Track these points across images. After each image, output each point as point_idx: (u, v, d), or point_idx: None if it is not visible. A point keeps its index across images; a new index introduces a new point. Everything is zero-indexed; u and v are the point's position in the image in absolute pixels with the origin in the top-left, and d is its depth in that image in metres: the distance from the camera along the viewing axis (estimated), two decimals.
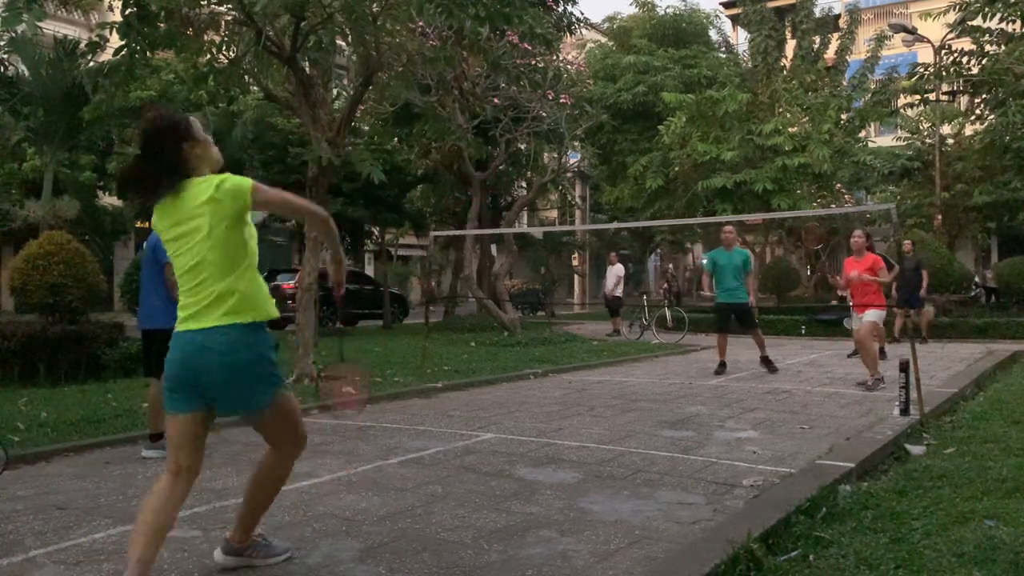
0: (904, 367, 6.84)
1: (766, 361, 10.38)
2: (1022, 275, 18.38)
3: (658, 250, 38.55)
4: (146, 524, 2.89)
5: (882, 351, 10.78)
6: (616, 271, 18.48)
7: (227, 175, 2.96)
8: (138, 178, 2.95)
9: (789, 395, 8.45)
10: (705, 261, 10.84)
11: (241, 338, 2.97)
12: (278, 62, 9.47)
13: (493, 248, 24.42)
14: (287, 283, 19.36)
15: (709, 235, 31.71)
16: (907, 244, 14.03)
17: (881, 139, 27.25)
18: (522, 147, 18.86)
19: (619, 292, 18.40)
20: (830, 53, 23.91)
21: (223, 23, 9.25)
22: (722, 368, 10.45)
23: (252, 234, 3.06)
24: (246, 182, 2.94)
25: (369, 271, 31.63)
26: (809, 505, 4.03)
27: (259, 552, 3.42)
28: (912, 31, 20.75)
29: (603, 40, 30.84)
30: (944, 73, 18.58)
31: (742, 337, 10.78)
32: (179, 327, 3.00)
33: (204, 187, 2.93)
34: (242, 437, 6.40)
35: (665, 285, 23.19)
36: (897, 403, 6.89)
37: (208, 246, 2.93)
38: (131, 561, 2.84)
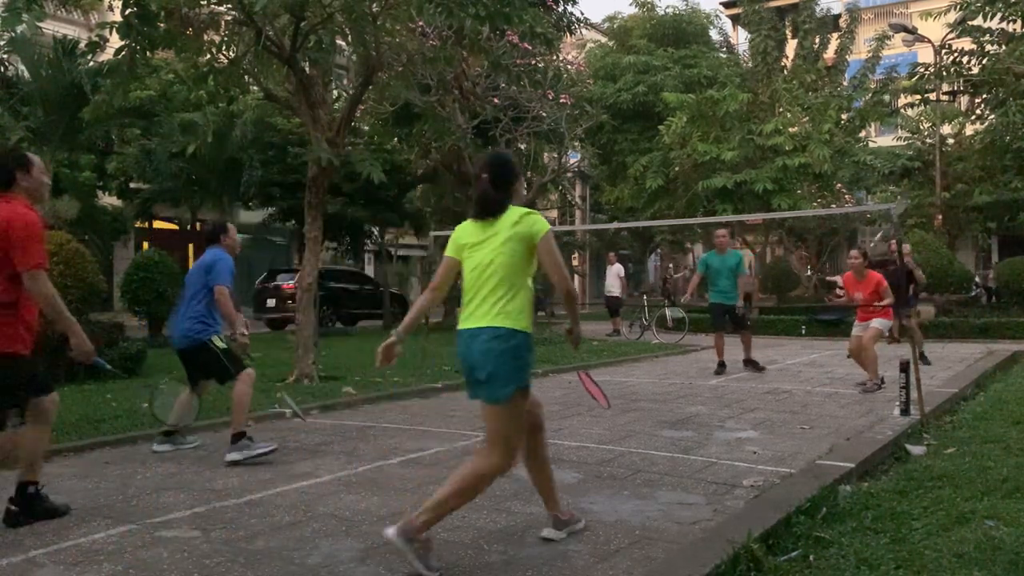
0: (904, 367, 6.84)
1: (749, 363, 10.47)
2: (1022, 275, 18.38)
3: (658, 250, 38.54)
4: (456, 479, 3.41)
5: (923, 356, 10.61)
6: (616, 271, 18.48)
7: (534, 213, 3.53)
8: (489, 200, 3.54)
9: (789, 395, 8.45)
10: (699, 263, 10.97)
11: (502, 336, 3.40)
12: (278, 62, 9.46)
13: None
14: (287, 283, 19.37)
15: (709, 235, 31.69)
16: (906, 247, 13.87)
17: (881, 139, 27.25)
18: (522, 147, 18.85)
19: (617, 292, 18.40)
20: (830, 53, 23.91)
21: (223, 23, 9.24)
22: (722, 368, 10.48)
23: (534, 267, 3.54)
24: (542, 227, 3.48)
25: (369, 271, 31.62)
26: (809, 505, 4.03)
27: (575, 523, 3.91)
28: (912, 31, 20.74)
29: (603, 40, 30.82)
30: (944, 73, 18.58)
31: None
32: (460, 326, 3.54)
33: (514, 215, 3.51)
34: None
35: (662, 284, 23.21)
36: (897, 403, 6.89)
37: (499, 261, 3.47)
38: (434, 499, 3.38)
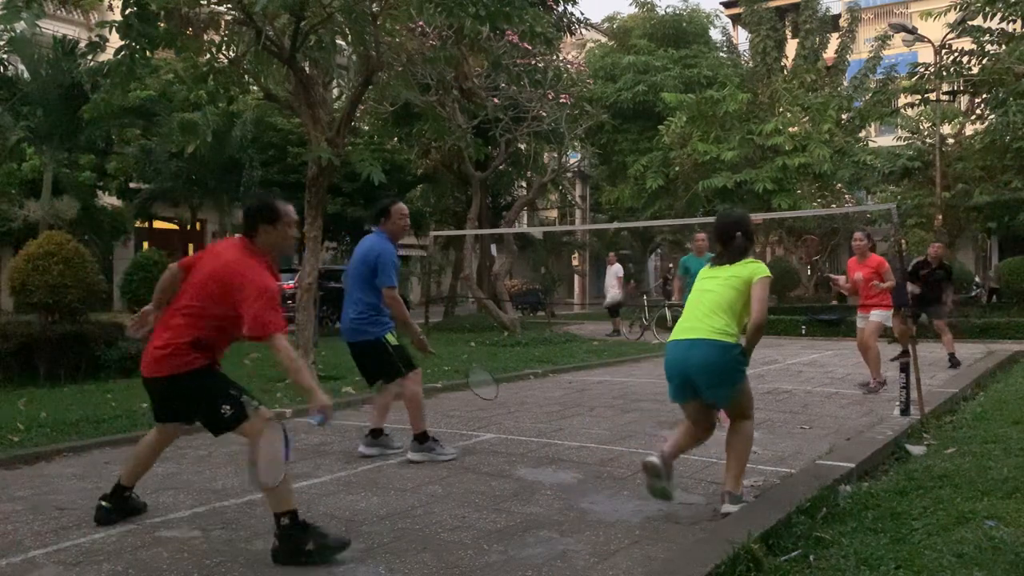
0: (904, 367, 6.84)
1: None
2: (1022, 275, 18.37)
3: (658, 250, 38.54)
4: (682, 435, 4.36)
5: (952, 357, 10.68)
6: (614, 271, 18.49)
7: (760, 267, 4.29)
8: (738, 248, 4.34)
9: (789, 395, 8.45)
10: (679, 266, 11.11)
11: (717, 349, 4.14)
12: (278, 62, 9.46)
13: (493, 248, 24.41)
14: (287, 283, 19.36)
15: (709, 235, 31.68)
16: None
17: (881, 139, 27.23)
18: (522, 147, 18.86)
19: (617, 292, 18.40)
20: (830, 53, 23.91)
21: (223, 23, 9.23)
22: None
23: (745, 305, 4.24)
24: (762, 274, 4.25)
25: None
26: (809, 505, 4.03)
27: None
28: (912, 31, 20.73)
29: (603, 40, 30.82)
30: (944, 73, 18.56)
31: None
32: (674, 337, 4.33)
33: (745, 265, 4.31)
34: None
35: (662, 283, 23.22)
36: (897, 403, 6.89)
37: (724, 295, 4.25)
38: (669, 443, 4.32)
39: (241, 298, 3.57)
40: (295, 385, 3.78)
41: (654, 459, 4.25)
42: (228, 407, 3.63)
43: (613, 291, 18.55)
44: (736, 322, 4.21)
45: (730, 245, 4.36)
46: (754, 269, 4.26)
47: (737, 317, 4.22)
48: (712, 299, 4.26)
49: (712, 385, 4.18)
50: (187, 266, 3.96)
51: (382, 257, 5.40)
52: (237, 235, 3.86)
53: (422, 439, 5.47)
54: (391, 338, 5.48)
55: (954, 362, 10.64)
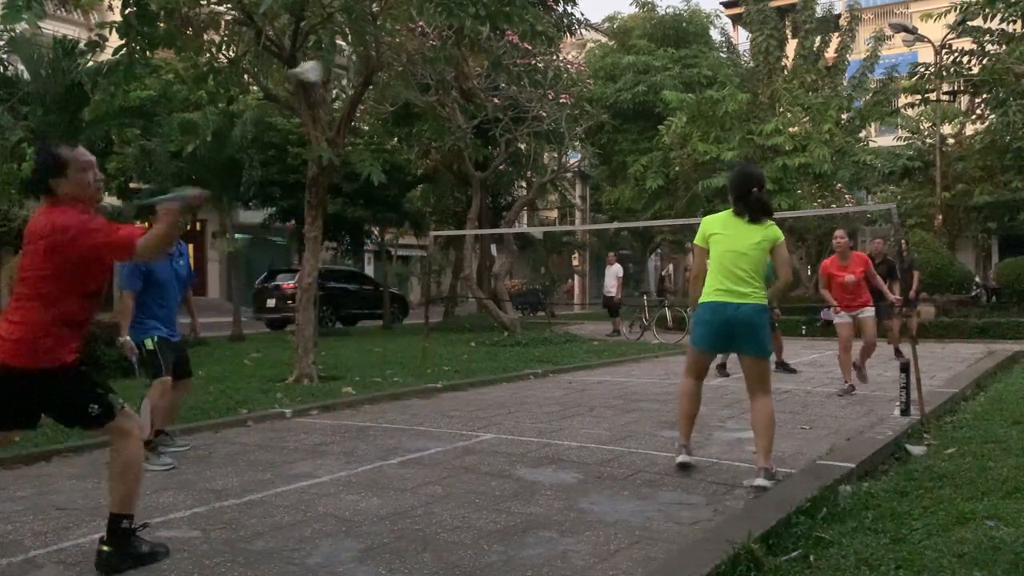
0: (905, 367, 6.84)
1: (780, 365, 10.44)
2: (1022, 275, 18.37)
3: (659, 250, 38.54)
4: (763, 427, 4.71)
5: (897, 351, 10.46)
6: (614, 271, 18.50)
7: (779, 231, 4.78)
8: (757, 202, 4.73)
9: (789, 395, 8.44)
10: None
11: (759, 312, 4.68)
12: (278, 62, 9.46)
13: (493, 248, 24.41)
14: (287, 283, 19.37)
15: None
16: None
17: (881, 139, 27.22)
18: (522, 147, 18.86)
19: (613, 293, 18.42)
20: (830, 52, 23.88)
21: (223, 23, 9.23)
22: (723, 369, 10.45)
23: (766, 262, 4.77)
24: (782, 237, 4.79)
25: (369, 271, 31.62)
26: (810, 505, 4.03)
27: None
28: (912, 31, 20.73)
29: (603, 40, 30.82)
30: (944, 73, 18.57)
31: None
32: (718, 298, 4.72)
33: (767, 227, 4.77)
34: (242, 438, 6.40)
35: (659, 283, 23.21)
36: (898, 403, 6.89)
37: (759, 259, 4.74)
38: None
39: (87, 240, 3.27)
40: (152, 237, 3.38)
41: (685, 458, 5.06)
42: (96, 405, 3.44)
43: (612, 291, 18.57)
44: (760, 282, 4.76)
45: (748, 199, 4.72)
46: (777, 232, 4.75)
47: (764, 277, 4.78)
48: (749, 264, 4.69)
49: (754, 340, 4.71)
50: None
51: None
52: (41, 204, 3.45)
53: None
54: (149, 343, 5.48)
55: (900, 356, 10.29)
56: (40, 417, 3.50)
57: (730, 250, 4.73)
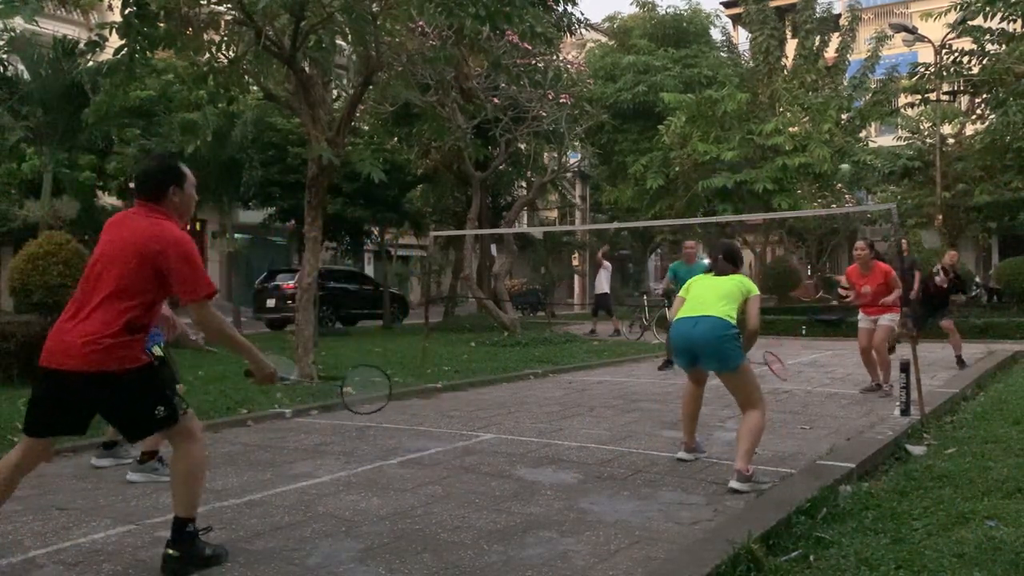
0: (905, 367, 6.84)
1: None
2: (1023, 275, 18.37)
3: (659, 250, 38.54)
4: (748, 435, 4.75)
5: (960, 359, 10.72)
6: (606, 271, 18.63)
7: (754, 286, 5.10)
8: (722, 269, 5.21)
9: (790, 395, 8.44)
10: (669, 272, 11.59)
11: (720, 326, 4.81)
12: (278, 62, 9.45)
13: (493, 248, 24.41)
14: (287, 283, 19.37)
15: (709, 235, 31.70)
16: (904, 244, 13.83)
17: (881, 139, 27.23)
18: (522, 147, 18.85)
19: (607, 288, 18.49)
20: (830, 52, 23.90)
21: (223, 23, 9.23)
22: (667, 365, 10.88)
23: (738, 299, 5.01)
24: (757, 292, 5.07)
25: (369, 271, 31.61)
26: (810, 505, 4.03)
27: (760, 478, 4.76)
28: (912, 31, 20.73)
29: (603, 40, 30.81)
30: (944, 73, 18.57)
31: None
32: (682, 314, 5.04)
33: (744, 280, 5.10)
34: (242, 438, 6.40)
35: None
36: (898, 403, 6.89)
37: (731, 290, 5.01)
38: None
39: (165, 261, 3.29)
40: (231, 350, 3.54)
41: (684, 455, 5.33)
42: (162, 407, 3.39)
43: (605, 288, 18.68)
44: (736, 313, 4.91)
45: (717, 263, 5.23)
46: (752, 285, 5.08)
47: (737, 310, 4.93)
48: (721, 291, 5.00)
49: (713, 356, 4.86)
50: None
51: None
52: (135, 204, 3.47)
53: (144, 459, 5.06)
54: (157, 350, 4.99)
55: (961, 365, 10.61)
56: (90, 421, 3.47)
57: (702, 285, 5.18)
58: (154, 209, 3.42)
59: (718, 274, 5.20)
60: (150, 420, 3.37)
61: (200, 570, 3.39)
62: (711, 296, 5.01)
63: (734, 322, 4.87)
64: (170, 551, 3.39)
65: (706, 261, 11.61)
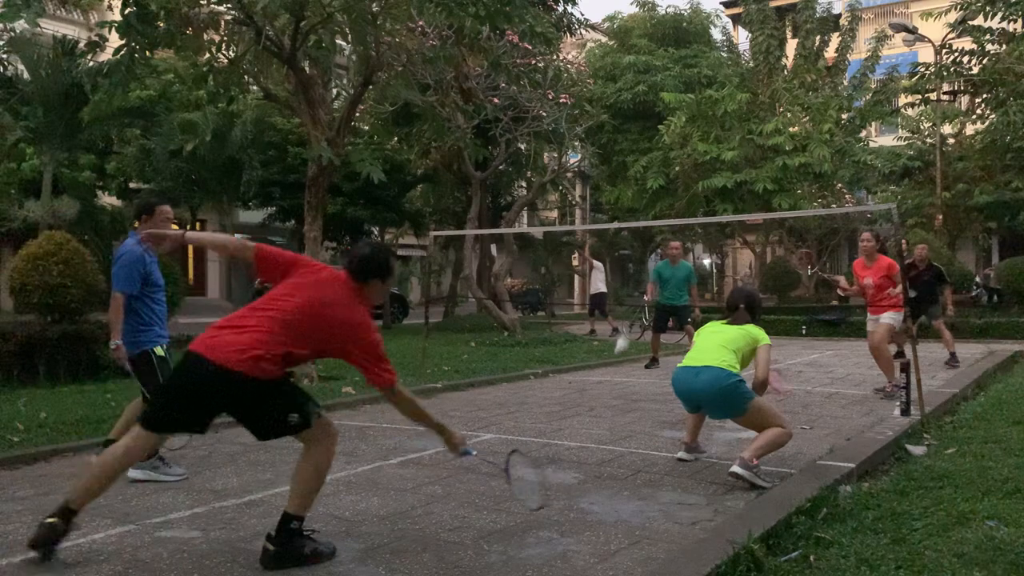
0: (905, 368, 6.84)
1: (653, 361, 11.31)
2: (1023, 275, 18.35)
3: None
4: (769, 439, 4.81)
5: (953, 356, 10.76)
6: (599, 272, 18.71)
7: (765, 335, 5.09)
8: (741, 317, 5.20)
9: (790, 395, 8.43)
10: (652, 273, 11.92)
11: (722, 376, 4.80)
12: (278, 62, 9.46)
13: (493, 248, 24.40)
14: None
15: (709, 235, 31.72)
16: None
17: (882, 139, 27.23)
18: (522, 147, 18.84)
19: (603, 287, 18.56)
20: (831, 52, 23.89)
21: (223, 23, 9.23)
22: (653, 364, 11.10)
23: (749, 354, 5.05)
24: (767, 341, 5.06)
25: None
26: (810, 505, 4.02)
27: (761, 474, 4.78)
28: (913, 31, 20.73)
29: (603, 40, 30.80)
30: (945, 73, 18.58)
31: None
32: (685, 363, 5.08)
33: (755, 328, 5.14)
34: (242, 438, 6.39)
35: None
36: (898, 403, 6.89)
37: (735, 339, 5.02)
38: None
39: (352, 347, 3.57)
40: (427, 429, 3.81)
41: (684, 455, 5.38)
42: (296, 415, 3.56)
43: (601, 287, 18.75)
44: (740, 363, 4.92)
45: (736, 311, 5.21)
46: (762, 334, 5.08)
47: (742, 360, 4.95)
48: (724, 339, 5.01)
49: (716, 407, 4.97)
50: (274, 264, 3.74)
51: (122, 259, 5.02)
52: (343, 271, 3.67)
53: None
54: (159, 351, 5.11)
55: (954, 362, 10.63)
56: (211, 422, 3.60)
57: (708, 331, 5.23)
58: (358, 291, 3.63)
59: (732, 322, 5.19)
60: (283, 425, 3.54)
61: (295, 567, 3.46)
62: (713, 344, 5.01)
63: (736, 371, 4.84)
64: (269, 545, 3.49)
65: (689, 263, 11.84)
